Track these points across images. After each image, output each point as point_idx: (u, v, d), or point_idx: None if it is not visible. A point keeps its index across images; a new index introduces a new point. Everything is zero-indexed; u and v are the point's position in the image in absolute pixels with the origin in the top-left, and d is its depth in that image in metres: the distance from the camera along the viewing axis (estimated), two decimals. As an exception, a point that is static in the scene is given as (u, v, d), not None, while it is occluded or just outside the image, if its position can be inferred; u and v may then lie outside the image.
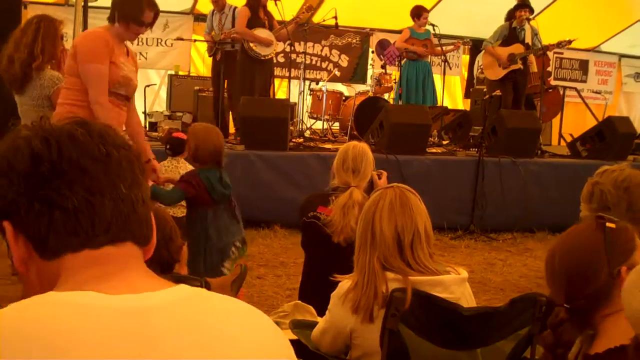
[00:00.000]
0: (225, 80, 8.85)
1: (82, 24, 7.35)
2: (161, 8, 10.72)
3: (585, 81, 14.39)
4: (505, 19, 10.02)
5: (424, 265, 2.41)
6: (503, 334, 2.46)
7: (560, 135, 11.17)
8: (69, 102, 4.09)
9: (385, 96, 10.41)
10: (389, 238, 2.40)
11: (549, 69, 13.17)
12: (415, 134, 8.13)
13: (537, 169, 8.39)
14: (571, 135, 9.83)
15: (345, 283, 2.48)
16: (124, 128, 4.32)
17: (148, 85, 9.95)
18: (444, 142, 9.70)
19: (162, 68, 11.48)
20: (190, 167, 5.21)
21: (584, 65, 14.48)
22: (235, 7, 8.95)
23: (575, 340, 1.95)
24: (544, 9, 12.24)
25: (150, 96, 10.46)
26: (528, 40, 9.56)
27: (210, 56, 9.31)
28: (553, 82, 12.65)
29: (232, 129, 9.28)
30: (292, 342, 2.83)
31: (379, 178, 4.08)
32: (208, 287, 2.49)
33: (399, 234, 2.40)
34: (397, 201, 2.44)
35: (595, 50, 14.51)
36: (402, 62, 10.10)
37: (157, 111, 9.74)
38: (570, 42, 9.30)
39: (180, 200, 4.37)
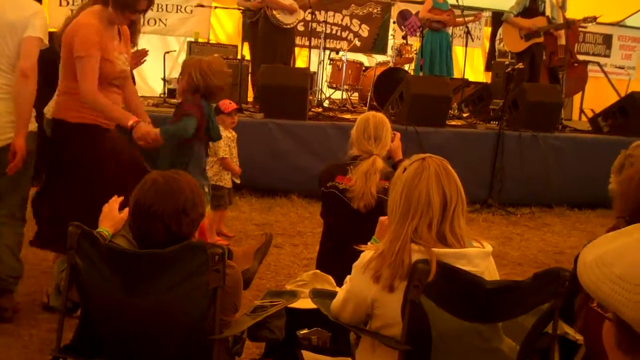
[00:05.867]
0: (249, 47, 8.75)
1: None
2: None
3: (608, 56, 14.18)
4: None
5: (460, 235, 2.39)
6: (525, 309, 2.45)
7: (581, 111, 11.07)
8: (71, 91, 4.06)
9: (406, 67, 10.32)
10: (436, 206, 2.37)
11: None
12: (435, 105, 8.08)
13: (557, 144, 8.33)
14: (592, 110, 9.72)
15: (367, 253, 2.46)
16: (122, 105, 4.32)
17: (167, 52, 9.90)
18: (464, 115, 9.63)
19: (182, 35, 11.42)
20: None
21: (607, 40, 14.27)
22: None
23: None
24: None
25: (169, 63, 10.42)
26: (548, 13, 9.46)
27: (251, 22, 9.06)
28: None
29: (250, 97, 9.25)
30: (312, 311, 2.86)
31: (392, 140, 4.07)
32: (230, 255, 2.48)
33: (446, 202, 2.38)
34: (442, 170, 2.41)
35: (619, 24, 14.29)
36: (424, 32, 10.00)
37: (175, 78, 9.69)
38: (595, 18, 9.23)
39: (191, 132, 4.12)
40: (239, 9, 9.19)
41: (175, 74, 10.72)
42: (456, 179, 2.44)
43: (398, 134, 4.24)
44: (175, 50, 11.22)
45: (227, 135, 5.67)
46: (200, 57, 4.31)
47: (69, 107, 4.07)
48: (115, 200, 2.86)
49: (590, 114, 9.72)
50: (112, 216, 2.79)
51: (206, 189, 4.32)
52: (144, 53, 5.05)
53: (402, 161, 2.65)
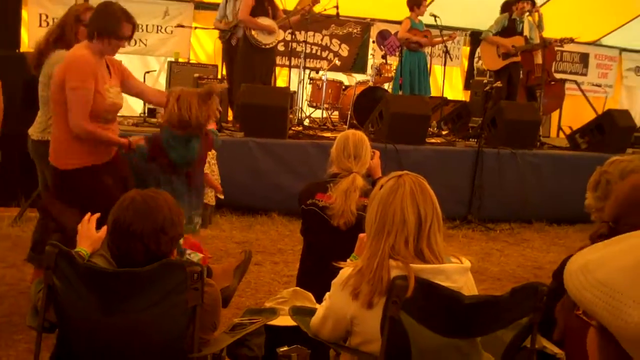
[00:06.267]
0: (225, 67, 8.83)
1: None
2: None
3: (585, 74, 14.34)
4: (501, 11, 10.02)
5: (437, 251, 2.40)
6: (504, 323, 2.46)
7: (559, 128, 11.17)
8: (64, 136, 4.10)
9: (385, 86, 10.38)
10: (411, 224, 2.38)
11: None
12: (414, 124, 8.12)
13: (535, 161, 8.40)
14: (570, 128, 9.83)
15: (346, 270, 2.47)
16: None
17: (147, 72, 9.90)
18: (443, 133, 9.69)
19: (162, 55, 11.43)
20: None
21: (584, 59, 14.43)
22: None
23: None
24: (546, 1, 12.19)
25: (150, 83, 10.40)
26: (526, 32, 9.59)
27: (224, 42, 9.25)
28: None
29: (230, 116, 9.26)
30: (292, 328, 2.85)
31: (372, 158, 4.08)
32: (210, 273, 2.48)
33: (421, 220, 2.39)
34: (418, 188, 2.42)
35: (595, 43, 14.47)
36: (403, 52, 10.06)
37: (156, 97, 9.68)
38: (572, 40, 9.38)
39: (142, 157, 4.18)
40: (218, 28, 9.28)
41: (155, 93, 10.73)
42: (432, 196, 2.45)
43: (377, 152, 4.26)
44: (155, 70, 11.22)
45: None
46: (181, 90, 4.29)
47: (59, 154, 4.15)
48: (92, 220, 2.86)
49: (568, 131, 9.82)
50: (90, 235, 2.78)
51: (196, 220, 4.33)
52: None
53: (381, 178, 2.66)
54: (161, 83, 11.15)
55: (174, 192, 4.22)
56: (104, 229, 2.68)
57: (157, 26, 11.29)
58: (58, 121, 4.15)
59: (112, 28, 4.10)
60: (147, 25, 11.14)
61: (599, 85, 13.90)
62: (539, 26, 9.99)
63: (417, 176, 2.50)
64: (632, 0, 12.94)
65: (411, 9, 9.91)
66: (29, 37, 10.20)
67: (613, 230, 2.07)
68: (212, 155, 5.75)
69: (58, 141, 4.17)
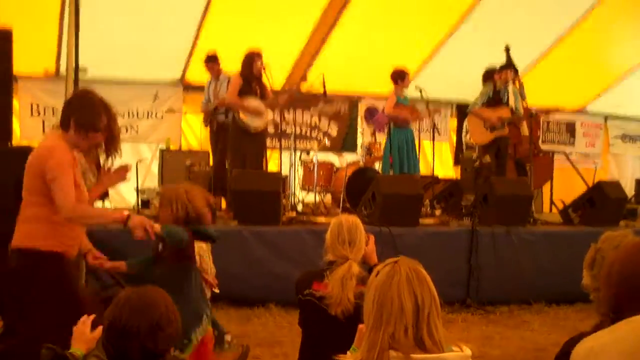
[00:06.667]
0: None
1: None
2: (150, 78, 10.85)
3: (572, 144, 14.43)
4: (483, 80, 10.13)
5: (438, 339, 2.36)
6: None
7: (552, 202, 11.17)
8: (41, 216, 3.97)
9: (376, 165, 10.38)
10: (409, 312, 2.34)
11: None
12: (407, 204, 8.12)
13: (530, 239, 8.35)
14: (562, 201, 9.83)
15: (346, 362, 2.43)
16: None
17: (140, 161, 9.93)
18: (436, 212, 9.67)
19: (154, 142, 11.46)
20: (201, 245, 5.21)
21: (570, 128, 14.54)
22: (230, 77, 9.01)
23: None
24: (529, 70, 12.34)
25: (142, 171, 10.44)
26: (511, 103, 9.66)
27: (206, 126, 9.35)
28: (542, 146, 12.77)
29: (224, 204, 9.25)
30: None
31: (366, 244, 4.05)
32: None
33: (418, 307, 2.36)
34: (414, 274, 2.40)
35: (581, 111, 14.59)
36: (391, 129, 10.06)
37: (149, 188, 9.71)
38: (557, 109, 9.47)
39: (186, 241, 4.07)
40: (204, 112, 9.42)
41: (149, 182, 10.78)
42: (429, 282, 2.42)
43: (372, 237, 4.22)
44: (147, 158, 11.26)
45: (200, 245, 5.56)
46: (177, 186, 4.28)
47: (40, 235, 3.98)
48: (87, 320, 2.82)
49: (560, 205, 9.82)
50: (84, 335, 2.74)
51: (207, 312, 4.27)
52: (125, 168, 4.57)
53: (377, 265, 2.64)
54: (154, 172, 11.17)
55: (197, 290, 4.18)
56: (99, 329, 2.64)
57: (148, 112, 11.35)
58: (34, 205, 4.00)
59: (92, 122, 3.99)
60: (137, 112, 11.21)
61: (588, 155, 14.03)
62: (521, 94, 10.10)
63: (413, 262, 2.48)
64: (613, 67, 13.18)
65: (395, 83, 9.94)
66: (21, 128, 10.24)
67: (616, 321, 2.05)
68: (205, 248, 5.60)
69: (34, 223, 4.00)
